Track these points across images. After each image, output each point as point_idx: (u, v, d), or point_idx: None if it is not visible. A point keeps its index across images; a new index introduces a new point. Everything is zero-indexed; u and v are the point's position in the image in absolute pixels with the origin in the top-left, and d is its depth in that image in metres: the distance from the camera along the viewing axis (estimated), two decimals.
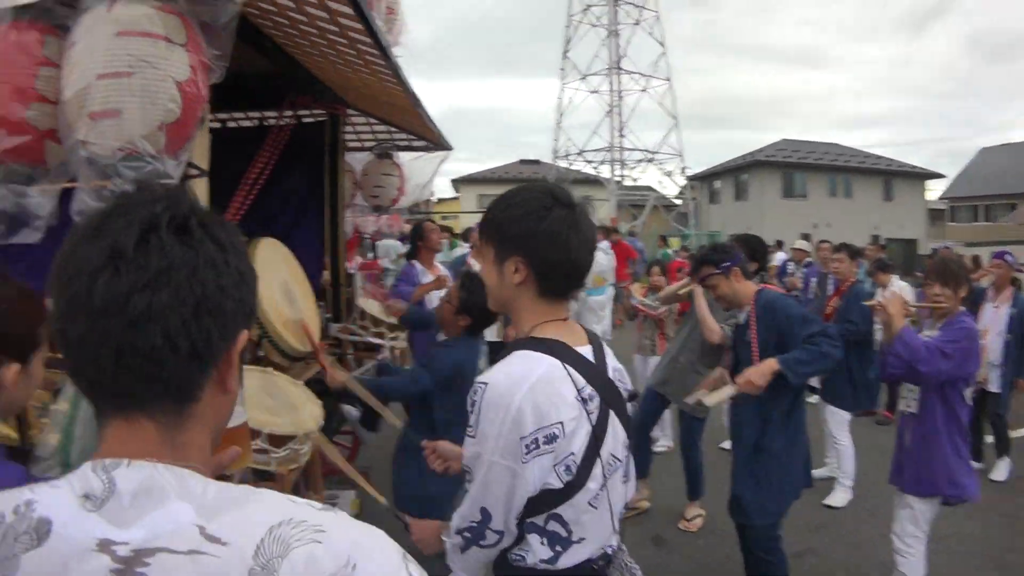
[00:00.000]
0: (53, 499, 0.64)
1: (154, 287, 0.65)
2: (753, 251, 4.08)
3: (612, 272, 8.73)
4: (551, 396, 1.37)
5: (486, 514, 1.41)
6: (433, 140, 4.78)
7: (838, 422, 4.85)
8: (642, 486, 4.48)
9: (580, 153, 31.11)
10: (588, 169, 31.35)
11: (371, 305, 4.55)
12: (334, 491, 4.28)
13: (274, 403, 2.32)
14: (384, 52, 2.82)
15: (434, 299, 4.55)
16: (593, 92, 30.20)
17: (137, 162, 1.68)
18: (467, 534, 1.44)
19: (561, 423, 1.37)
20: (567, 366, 1.41)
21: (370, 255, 9.26)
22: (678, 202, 31.89)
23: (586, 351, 1.49)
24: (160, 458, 0.67)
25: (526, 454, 1.35)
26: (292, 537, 0.63)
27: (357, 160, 5.02)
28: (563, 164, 31.89)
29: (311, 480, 2.64)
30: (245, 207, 3.58)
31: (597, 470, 1.43)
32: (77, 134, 1.66)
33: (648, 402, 4.44)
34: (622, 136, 30.21)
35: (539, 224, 1.42)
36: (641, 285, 6.22)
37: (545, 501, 1.41)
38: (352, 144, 5.01)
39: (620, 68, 29.57)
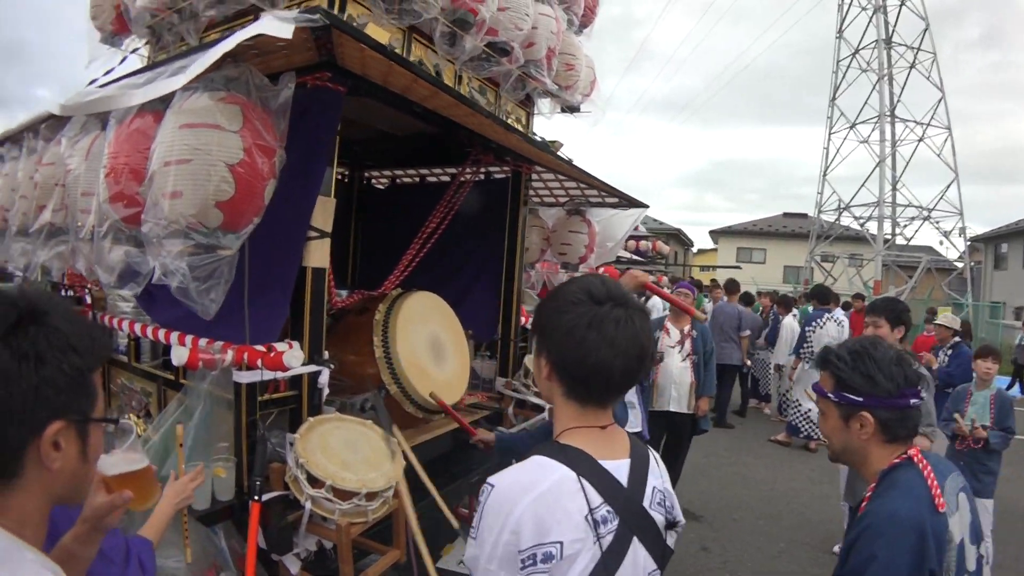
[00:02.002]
0: None
1: None
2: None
3: None
4: (555, 511, 1.26)
5: None
6: (624, 198, 4.60)
7: None
8: None
9: (845, 208, 28.59)
10: (855, 225, 28.71)
11: None
12: None
13: (352, 458, 2.34)
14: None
15: None
16: (862, 142, 27.70)
17: (202, 235, 1.95)
18: None
19: (561, 543, 1.25)
20: (583, 480, 1.29)
21: None
22: (959, 265, 27.83)
23: (620, 467, 1.37)
24: None
25: (521, 569, 1.25)
26: None
27: (550, 216, 5.00)
28: (827, 219, 29.53)
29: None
30: (417, 261, 3.68)
31: None
32: (161, 211, 1.92)
33: None
34: (894, 190, 27.26)
35: (559, 318, 1.37)
36: None
37: None
38: (546, 200, 5.00)
39: (893, 115, 26.81)
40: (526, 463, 1.35)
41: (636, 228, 19.53)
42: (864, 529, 1.58)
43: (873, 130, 27.12)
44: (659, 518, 1.39)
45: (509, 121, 3.83)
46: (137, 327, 2.73)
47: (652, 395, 5.43)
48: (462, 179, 4.06)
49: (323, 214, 2.47)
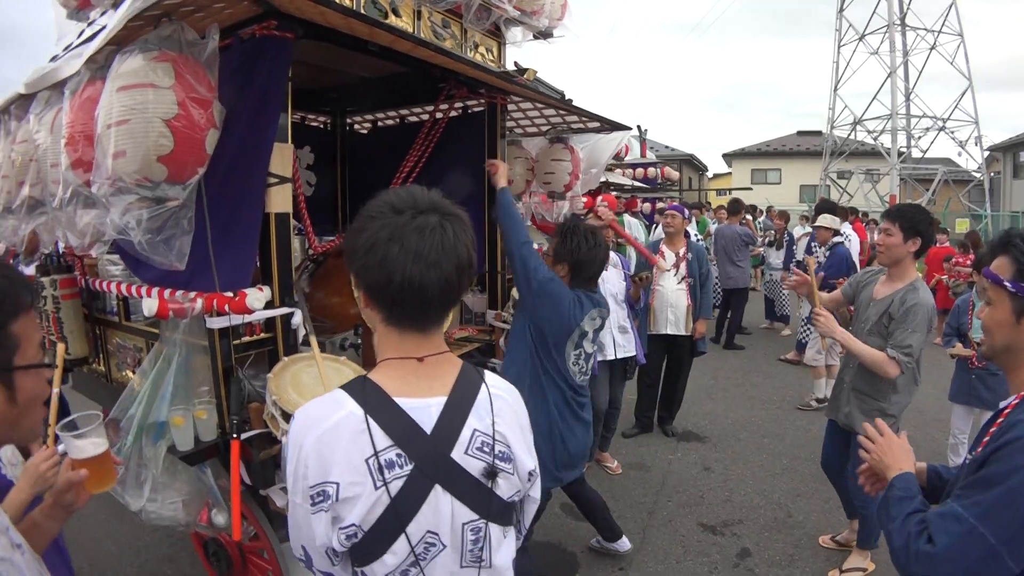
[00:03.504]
0: None
1: None
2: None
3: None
4: (335, 451, 1.18)
5: (307, 554, 1.27)
6: (604, 121, 4.54)
7: None
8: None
9: (858, 122, 27.86)
10: (869, 140, 28.02)
11: None
12: None
13: (323, 392, 2.40)
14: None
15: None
16: (872, 53, 26.79)
17: (148, 189, 2.03)
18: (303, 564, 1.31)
19: (337, 484, 1.17)
20: (371, 420, 1.19)
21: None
22: (977, 175, 27.18)
23: (426, 407, 1.24)
24: None
25: (312, 504, 1.19)
26: None
27: (534, 146, 4.95)
28: (840, 135, 28.84)
29: None
30: None
31: (400, 546, 1.20)
32: (105, 171, 1.99)
33: None
34: (907, 101, 26.49)
35: (358, 237, 1.22)
36: None
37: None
38: (529, 130, 4.95)
39: (904, 23, 25.82)
40: (327, 395, 1.27)
41: (644, 155, 19.28)
42: (1011, 441, 1.40)
43: (883, 41, 26.23)
44: (476, 464, 1.25)
45: (479, 52, 3.77)
46: (122, 287, 2.80)
47: (649, 319, 5.46)
48: (437, 115, 4.03)
49: (281, 160, 2.49)
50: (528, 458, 1.35)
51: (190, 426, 2.36)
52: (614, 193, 11.49)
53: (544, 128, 4.84)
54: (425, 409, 1.23)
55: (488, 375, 1.36)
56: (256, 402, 2.45)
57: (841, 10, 28.01)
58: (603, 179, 8.22)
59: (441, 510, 1.22)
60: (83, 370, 3.56)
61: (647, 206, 12.55)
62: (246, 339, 2.56)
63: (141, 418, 2.35)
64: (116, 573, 3.72)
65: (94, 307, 3.41)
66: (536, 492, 1.45)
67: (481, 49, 3.80)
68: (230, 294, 2.29)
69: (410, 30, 3.16)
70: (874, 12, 26.64)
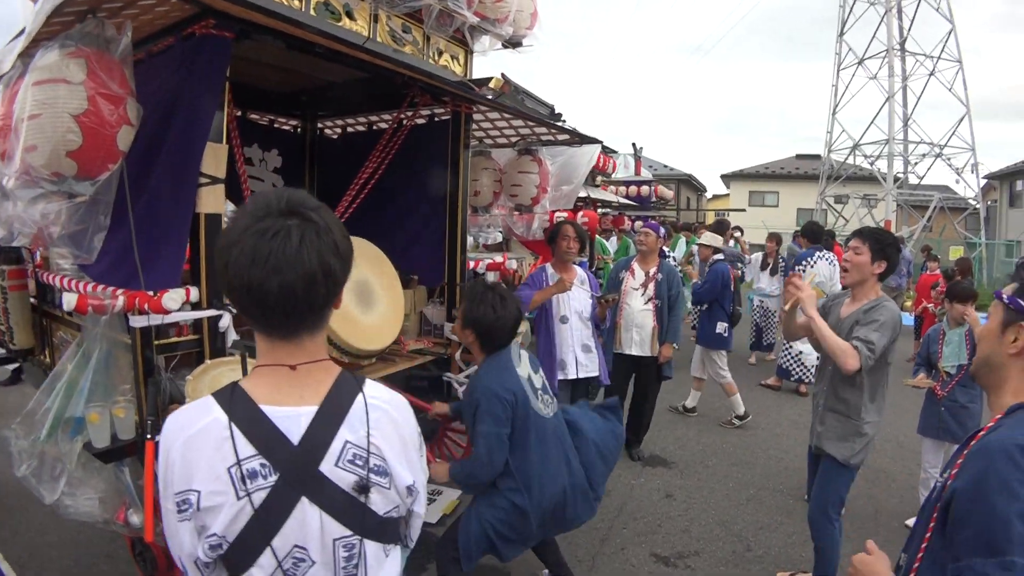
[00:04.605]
0: None
1: None
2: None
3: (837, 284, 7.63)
4: (198, 458, 1.14)
5: (182, 563, 1.21)
6: (573, 134, 4.53)
7: None
8: None
9: (855, 147, 27.91)
10: (867, 164, 28.07)
11: None
12: (438, 487, 4.29)
13: None
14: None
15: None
16: (871, 78, 26.87)
17: (56, 184, 2.06)
18: None
19: (198, 492, 1.13)
20: (234, 427, 1.15)
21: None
22: (973, 203, 27.21)
23: (295, 416, 1.19)
24: None
25: (178, 512, 1.16)
26: None
27: (504, 157, 4.93)
28: (838, 159, 28.90)
29: None
30: (353, 207, 3.67)
31: (266, 560, 1.16)
32: (15, 164, 2.04)
33: None
34: (905, 126, 26.54)
35: (217, 243, 1.20)
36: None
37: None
38: (499, 141, 4.94)
39: (903, 48, 25.90)
40: (199, 400, 1.22)
41: (638, 173, 19.25)
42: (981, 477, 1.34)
43: (882, 66, 26.29)
44: (348, 478, 1.20)
45: (443, 59, 3.76)
46: (55, 279, 2.79)
47: (615, 337, 5.38)
48: (398, 123, 4.01)
49: (214, 160, 2.47)
50: (406, 472, 1.28)
51: (107, 423, 2.33)
52: (600, 210, 11.49)
53: (513, 139, 4.83)
54: (295, 418, 1.19)
55: (369, 385, 1.29)
56: (178, 403, 2.41)
57: (841, 34, 28.08)
58: (584, 194, 8.21)
59: (309, 524, 1.17)
60: (31, 363, 3.54)
61: (639, 224, 12.55)
62: (174, 339, 2.53)
63: (58, 411, 2.34)
64: (53, 565, 3.68)
65: (44, 299, 3.40)
66: (420, 507, 1.38)
67: (446, 56, 3.79)
68: (151, 293, 2.26)
69: (365, 34, 3.15)
70: (874, 36, 26.67)
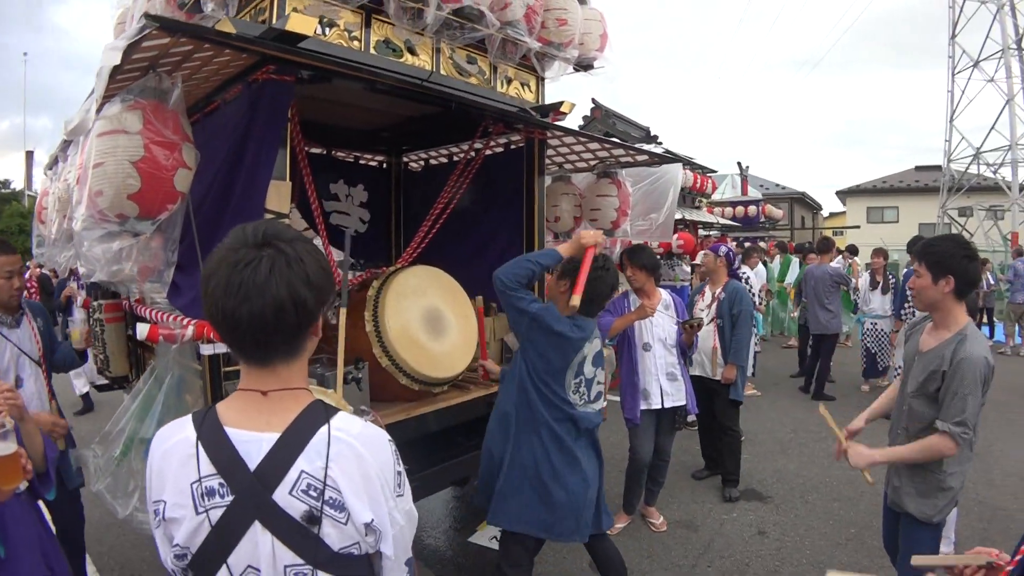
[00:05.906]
0: None
1: None
2: None
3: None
4: (169, 471, 1.22)
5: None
6: (651, 154, 4.44)
7: None
8: None
9: (976, 155, 25.92)
10: (989, 173, 26.00)
11: None
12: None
13: None
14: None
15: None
16: (989, 80, 24.95)
17: (120, 224, 2.26)
18: None
19: (164, 503, 1.21)
20: (200, 447, 1.20)
21: None
22: None
23: (256, 441, 1.21)
24: None
25: (153, 518, 1.24)
26: None
27: (584, 182, 4.90)
28: (958, 169, 26.94)
29: None
30: (430, 237, 3.75)
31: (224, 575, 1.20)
32: (84, 207, 2.27)
33: None
34: None
35: (203, 271, 1.24)
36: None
37: None
38: (578, 165, 4.90)
39: (1020, 46, 23.79)
40: (182, 417, 1.29)
41: (745, 192, 18.58)
42: None
43: (999, 67, 24.32)
44: (299, 507, 1.19)
45: (512, 87, 3.80)
46: (142, 310, 3.00)
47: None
48: (472, 152, 4.07)
49: (278, 197, 2.60)
50: (365, 510, 1.24)
51: None
52: (701, 232, 11.16)
53: (592, 163, 4.79)
54: (256, 443, 1.21)
55: (340, 417, 1.28)
56: None
57: (953, 36, 26.24)
58: (680, 216, 8.02)
59: (261, 548, 1.19)
60: (126, 390, 3.82)
61: (747, 245, 12.12)
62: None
63: (131, 432, 2.49)
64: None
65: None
66: (389, 549, 1.31)
67: (516, 84, 3.82)
68: None
69: (428, 68, 3.22)
70: (987, 36, 24.80)
